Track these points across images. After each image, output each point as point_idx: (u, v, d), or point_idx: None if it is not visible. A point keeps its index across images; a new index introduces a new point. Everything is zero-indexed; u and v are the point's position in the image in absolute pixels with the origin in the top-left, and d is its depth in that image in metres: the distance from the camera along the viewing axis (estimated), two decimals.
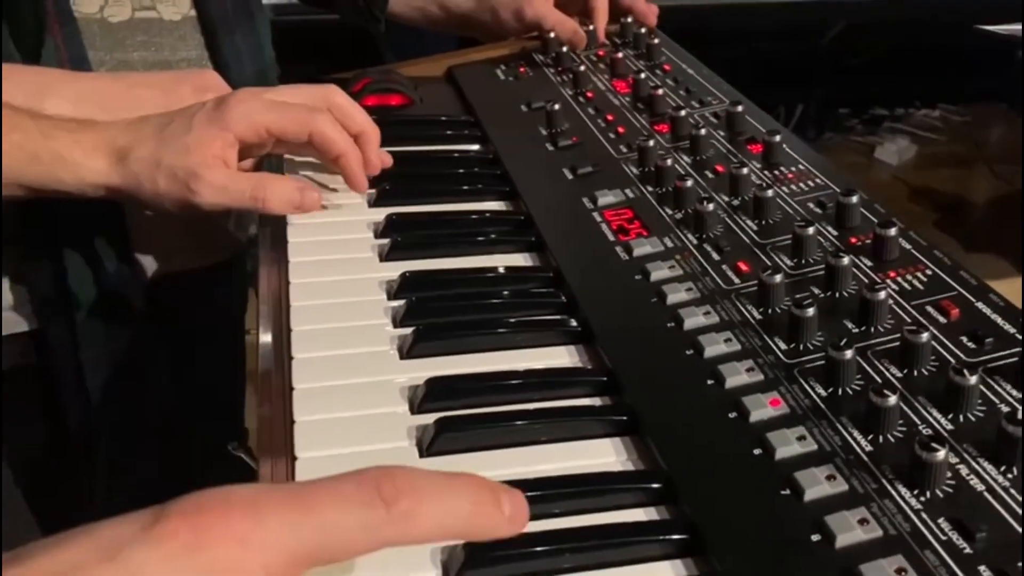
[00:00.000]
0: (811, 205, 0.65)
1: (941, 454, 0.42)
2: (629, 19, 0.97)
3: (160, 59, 0.96)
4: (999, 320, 0.52)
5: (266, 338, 0.58)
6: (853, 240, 0.60)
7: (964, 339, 0.51)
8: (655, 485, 0.46)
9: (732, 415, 0.48)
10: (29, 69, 0.79)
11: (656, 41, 0.92)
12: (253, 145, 0.67)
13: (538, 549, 0.41)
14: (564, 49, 0.92)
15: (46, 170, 0.65)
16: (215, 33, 0.97)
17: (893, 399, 0.45)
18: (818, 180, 0.68)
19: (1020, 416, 0.43)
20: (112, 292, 0.90)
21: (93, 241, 0.87)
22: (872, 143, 3.06)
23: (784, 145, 0.71)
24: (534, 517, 0.39)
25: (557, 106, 0.80)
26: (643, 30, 0.95)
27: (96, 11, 0.89)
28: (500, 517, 0.35)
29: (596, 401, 0.52)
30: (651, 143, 0.72)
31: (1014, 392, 0.47)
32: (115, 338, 0.91)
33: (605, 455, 0.49)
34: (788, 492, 0.43)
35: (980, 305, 0.53)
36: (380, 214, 0.69)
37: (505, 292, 0.61)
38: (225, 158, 0.66)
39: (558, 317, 0.58)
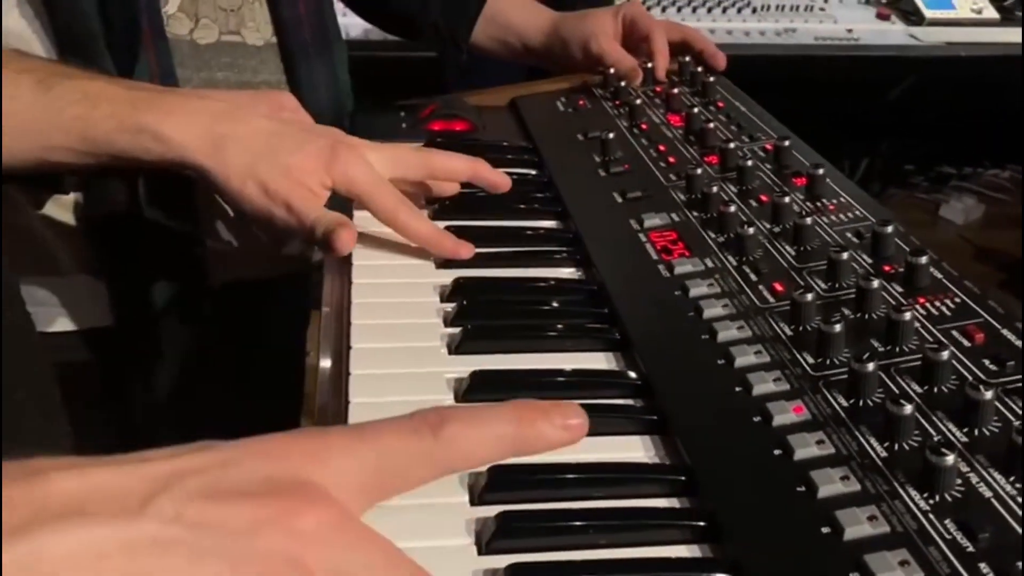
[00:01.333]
0: (849, 235, 0.68)
1: (950, 459, 0.44)
2: (687, 58, 1.01)
3: (242, 80, 1.03)
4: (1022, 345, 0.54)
5: (325, 361, 0.60)
6: (887, 268, 0.63)
7: (986, 361, 0.53)
8: (680, 477, 0.49)
9: (756, 419, 0.51)
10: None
11: (711, 79, 0.95)
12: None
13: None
14: (622, 84, 0.97)
15: (131, 140, 0.67)
16: (294, 59, 1.04)
17: (909, 408, 0.48)
18: (857, 212, 0.70)
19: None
20: (184, 294, 0.96)
21: (171, 242, 0.93)
22: (937, 201, 3.04)
23: (827, 179, 0.74)
24: (559, 499, 0.43)
25: (611, 135, 0.84)
26: (700, 69, 0.98)
27: (186, 33, 0.96)
28: (549, 428, 0.38)
29: (630, 402, 0.55)
30: (699, 171, 0.76)
31: None
32: (183, 340, 0.96)
33: (634, 450, 0.52)
34: (803, 489, 0.46)
35: (1006, 332, 0.56)
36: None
37: (553, 302, 0.65)
38: (316, 192, 0.68)
39: (600, 325, 0.62)
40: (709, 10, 2.96)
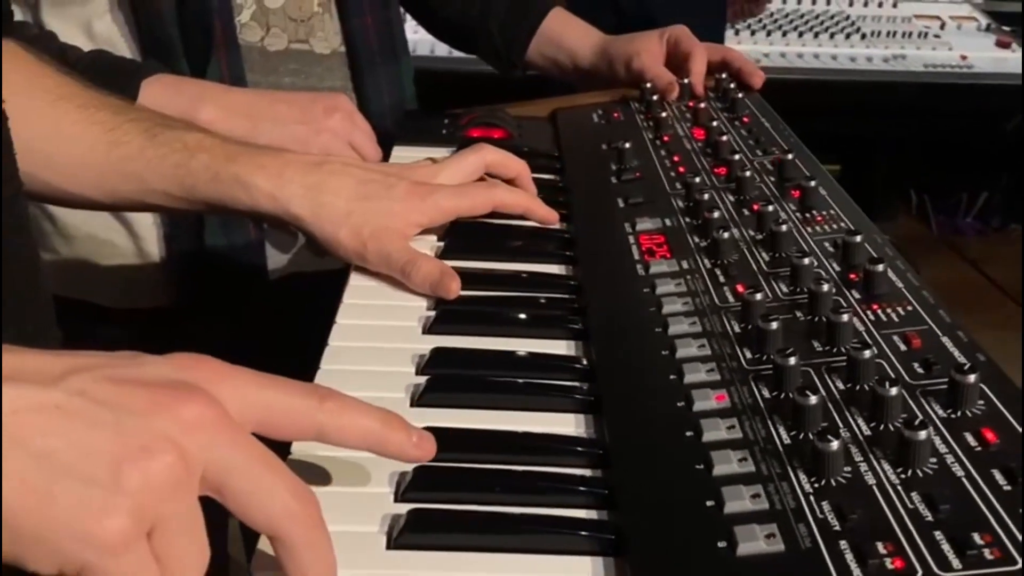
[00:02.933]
0: (826, 244, 0.70)
1: (835, 444, 0.47)
2: (724, 75, 1.04)
3: (308, 86, 1.11)
4: (956, 353, 0.56)
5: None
6: (852, 276, 0.65)
7: (915, 365, 0.55)
8: (597, 451, 0.53)
9: (680, 404, 0.54)
10: (192, 80, 0.95)
11: (740, 96, 0.98)
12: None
13: (471, 481, 0.49)
14: (655, 98, 1.00)
15: (225, 190, 0.71)
16: (359, 68, 1.12)
17: (814, 399, 0.50)
18: (843, 224, 0.72)
19: (917, 423, 0.47)
20: (241, 282, 1.04)
21: (233, 233, 1.01)
22: None
23: (821, 190, 0.77)
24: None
25: (627, 145, 0.88)
26: (733, 85, 1.01)
27: (257, 40, 1.05)
28: (406, 441, 0.45)
29: (575, 384, 0.59)
30: (697, 179, 0.79)
31: (939, 411, 0.51)
32: (234, 326, 1.03)
33: (567, 426, 0.56)
34: (702, 467, 0.49)
35: (945, 340, 0.57)
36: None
37: (529, 293, 0.69)
38: (406, 233, 0.73)
39: (567, 315, 0.66)
40: (816, 35, 2.94)
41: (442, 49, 1.91)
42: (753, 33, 3.04)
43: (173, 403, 0.37)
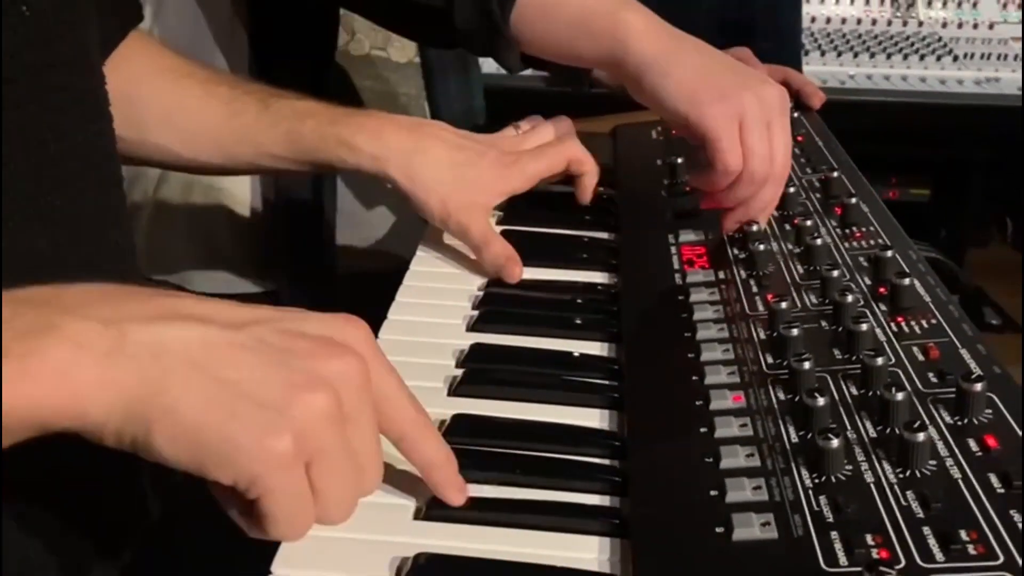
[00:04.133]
0: (861, 259, 0.72)
1: (835, 443, 0.49)
2: None
3: (385, 90, 1.19)
4: (973, 365, 0.57)
5: None
6: (882, 289, 0.67)
7: (930, 374, 0.57)
8: (615, 443, 0.56)
9: (699, 403, 0.57)
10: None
11: (796, 115, 1.00)
12: None
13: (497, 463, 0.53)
14: None
15: (332, 149, 0.77)
16: (432, 76, 1.19)
17: (822, 400, 0.53)
18: (880, 240, 0.74)
19: (917, 426, 0.49)
20: (313, 275, 1.11)
21: (314, 231, 1.09)
22: None
23: (863, 207, 0.79)
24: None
25: (679, 160, 0.91)
26: (790, 105, 1.03)
27: (343, 44, 1.12)
28: (453, 483, 0.50)
29: (605, 382, 0.63)
30: None
31: (947, 418, 0.53)
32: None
33: (592, 420, 0.60)
34: (711, 460, 0.52)
35: (963, 352, 0.59)
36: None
37: (571, 298, 0.73)
38: (488, 203, 0.78)
39: (604, 319, 0.70)
40: (905, 57, 2.90)
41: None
42: (839, 55, 3.02)
43: (331, 355, 0.44)
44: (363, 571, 0.47)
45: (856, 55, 2.92)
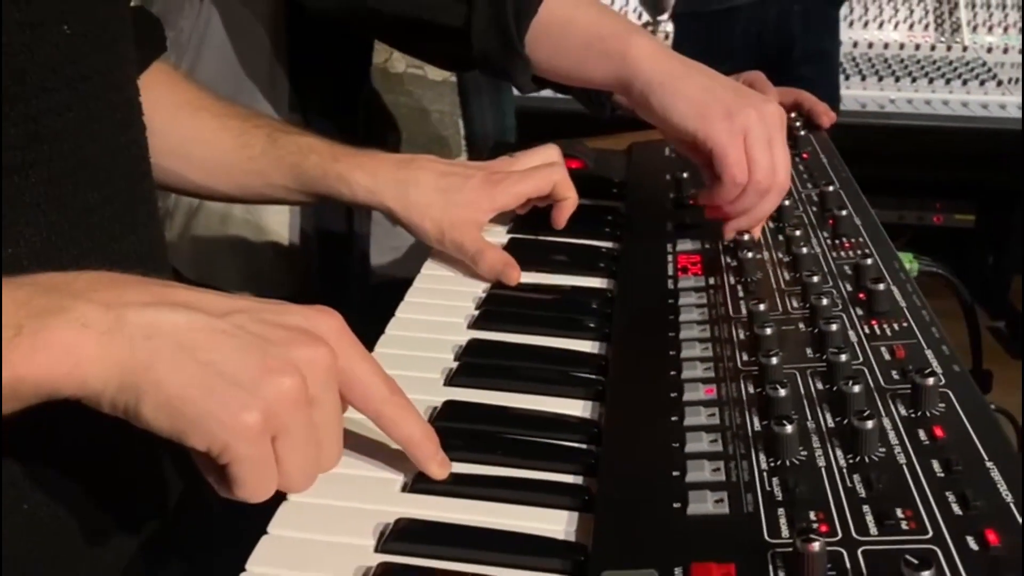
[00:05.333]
0: (845, 268, 0.75)
1: (789, 429, 0.53)
2: (793, 115, 1.10)
3: (420, 107, 1.25)
4: (935, 364, 0.61)
5: None
6: (861, 295, 0.70)
7: (893, 372, 0.60)
8: (593, 429, 0.60)
9: (673, 394, 0.61)
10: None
11: (804, 133, 1.04)
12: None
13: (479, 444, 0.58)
14: None
15: (332, 184, 0.84)
16: (467, 94, 1.25)
17: (783, 392, 0.57)
18: (866, 250, 0.78)
19: (866, 415, 0.53)
20: (348, 282, 1.17)
21: (346, 244, 1.15)
22: None
23: (855, 220, 0.82)
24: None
25: (685, 175, 0.95)
26: (798, 124, 1.07)
27: (381, 62, 1.19)
28: (434, 457, 0.55)
29: (592, 376, 0.67)
30: None
31: (903, 412, 0.56)
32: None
33: (575, 409, 0.64)
34: (677, 445, 0.56)
35: (928, 352, 0.62)
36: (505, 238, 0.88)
37: (568, 301, 0.78)
38: (479, 220, 0.84)
39: (597, 321, 0.74)
40: (947, 82, 2.89)
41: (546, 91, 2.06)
42: (880, 79, 3.02)
43: (303, 344, 0.49)
44: (349, 535, 0.52)
45: (898, 80, 2.93)
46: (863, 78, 2.90)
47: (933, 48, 3.08)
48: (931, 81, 2.94)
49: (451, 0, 0.88)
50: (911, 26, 3.20)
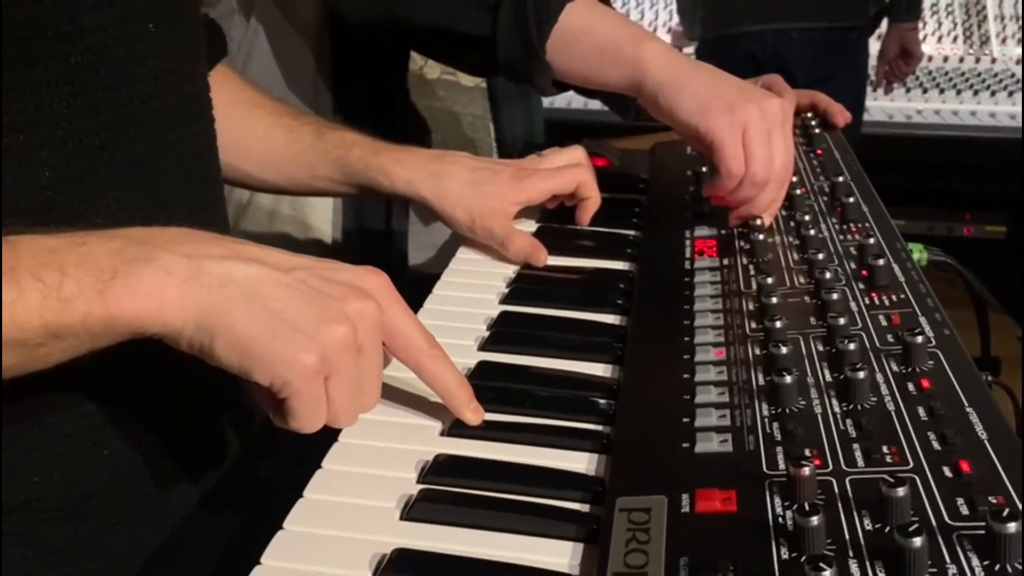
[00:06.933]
0: (851, 248, 0.81)
1: (788, 379, 0.59)
2: (809, 115, 1.16)
3: (452, 111, 1.32)
4: (926, 327, 0.66)
5: None
6: (864, 272, 0.76)
7: (888, 335, 0.66)
8: (612, 393, 0.66)
9: (685, 357, 0.67)
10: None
11: (817, 131, 1.10)
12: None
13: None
14: None
15: (373, 176, 0.91)
16: (497, 99, 1.32)
17: (785, 349, 0.62)
18: (871, 233, 0.83)
19: (858, 366, 0.58)
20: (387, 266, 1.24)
21: (385, 240, 1.22)
22: None
23: (863, 208, 0.87)
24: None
25: (704, 169, 1.01)
26: (813, 122, 1.13)
27: (417, 68, 1.26)
28: (468, 404, 0.62)
29: (610, 342, 0.73)
30: None
31: (895, 368, 0.62)
32: None
33: (598, 371, 0.70)
34: (688, 397, 0.62)
35: (922, 319, 0.68)
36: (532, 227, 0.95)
37: (591, 281, 0.84)
38: (508, 211, 0.90)
39: (617, 296, 0.80)
40: (975, 93, 2.93)
41: (578, 102, 2.13)
42: (908, 91, 3.06)
43: (354, 298, 0.56)
44: (395, 470, 0.58)
45: (925, 91, 2.96)
46: (889, 90, 2.94)
47: (962, 60, 3.12)
48: (959, 92, 2.98)
49: (477, 11, 0.95)
50: (939, 38, 3.24)
